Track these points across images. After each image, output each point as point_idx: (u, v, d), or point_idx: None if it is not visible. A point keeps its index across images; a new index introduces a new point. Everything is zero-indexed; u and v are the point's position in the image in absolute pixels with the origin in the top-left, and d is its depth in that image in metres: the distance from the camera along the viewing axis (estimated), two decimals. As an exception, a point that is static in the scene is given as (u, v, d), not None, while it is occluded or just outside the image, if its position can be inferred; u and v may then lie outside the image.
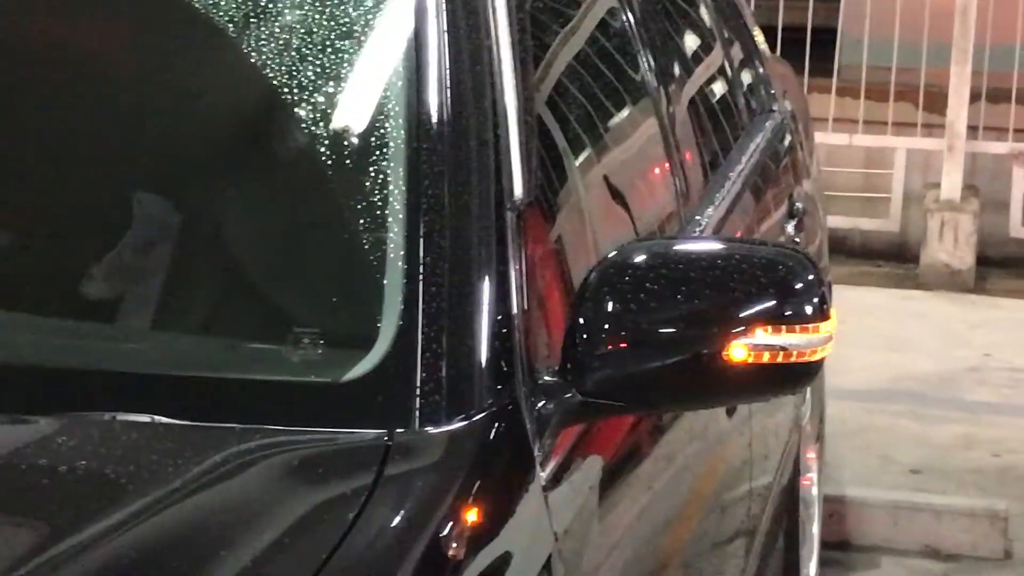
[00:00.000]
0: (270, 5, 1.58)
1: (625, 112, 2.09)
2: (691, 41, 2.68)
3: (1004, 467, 3.92)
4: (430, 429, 1.30)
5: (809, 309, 1.41)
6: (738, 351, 1.38)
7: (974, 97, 5.65)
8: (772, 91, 3.05)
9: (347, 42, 1.55)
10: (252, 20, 1.57)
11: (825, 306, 1.44)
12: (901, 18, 5.83)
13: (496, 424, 1.35)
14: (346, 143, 1.50)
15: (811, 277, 1.44)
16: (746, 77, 2.94)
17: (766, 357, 1.39)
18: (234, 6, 1.57)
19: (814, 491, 3.22)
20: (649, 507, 1.71)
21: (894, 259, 6.10)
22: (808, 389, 2.94)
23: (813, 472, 3.25)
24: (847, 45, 6.14)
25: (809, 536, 3.16)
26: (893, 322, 5.16)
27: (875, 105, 5.92)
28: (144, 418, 1.33)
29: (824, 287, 1.47)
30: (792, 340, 1.40)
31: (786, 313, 1.40)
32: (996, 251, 6.01)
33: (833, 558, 3.49)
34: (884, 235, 6.08)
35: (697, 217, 2.11)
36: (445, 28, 1.53)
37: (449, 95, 1.49)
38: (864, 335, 4.74)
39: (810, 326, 1.42)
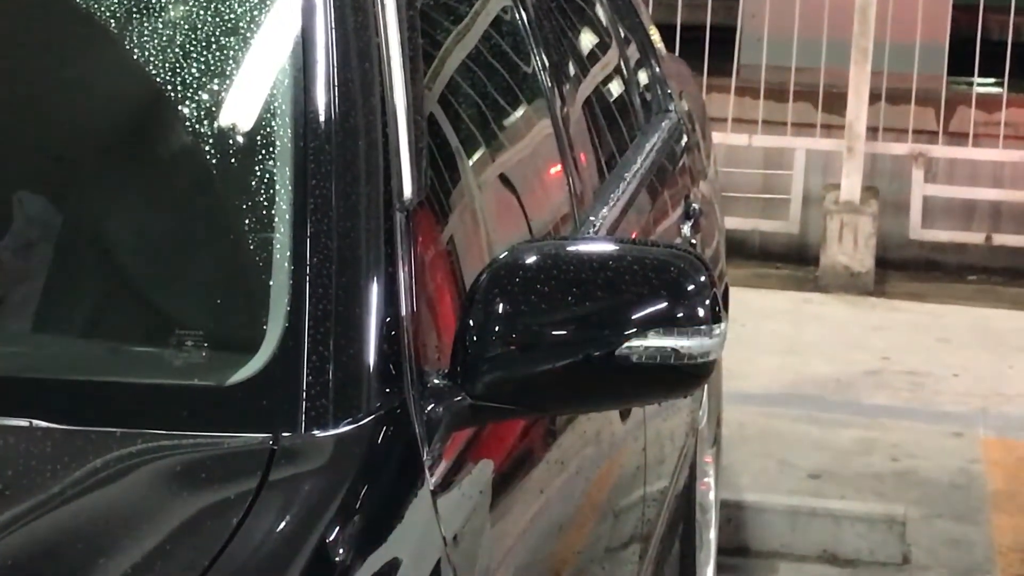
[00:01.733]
0: (152, 1, 1.62)
1: (518, 111, 2.14)
2: (586, 40, 2.76)
3: (902, 471, 4.08)
4: (316, 433, 1.33)
5: (701, 311, 1.45)
6: (630, 353, 1.42)
7: (874, 97, 5.83)
8: (669, 91, 3.15)
9: (232, 39, 1.57)
10: (134, 15, 1.60)
11: (717, 308, 1.48)
12: (801, 16, 5.98)
13: (384, 428, 1.38)
14: (231, 141, 1.53)
15: (703, 279, 1.48)
16: (642, 77, 3.03)
17: (658, 359, 1.43)
18: (115, 1, 1.62)
19: (711, 496, 3.34)
20: (542, 512, 1.73)
21: (794, 261, 6.26)
22: (705, 393, 3.11)
23: (710, 477, 3.36)
24: (747, 44, 6.28)
25: (706, 542, 3.27)
26: (792, 325, 5.34)
27: (775, 105, 6.05)
28: (22, 422, 1.35)
29: (717, 289, 1.51)
30: (684, 342, 1.44)
31: (678, 315, 1.44)
32: (896, 253, 6.20)
33: (730, 564, 3.60)
34: (783, 237, 6.20)
35: (591, 218, 2.18)
36: (332, 25, 1.56)
37: (337, 93, 1.53)
38: (763, 338, 4.98)
39: (702, 328, 1.46)
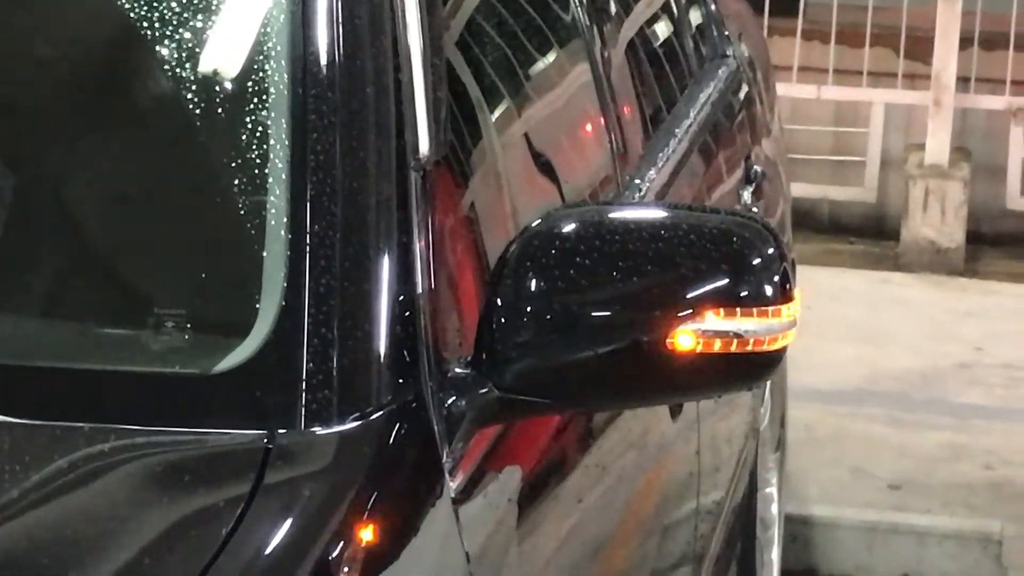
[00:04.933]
0: None
1: (552, 56, 2.12)
2: None
3: (997, 482, 4.01)
4: (318, 430, 1.32)
5: (769, 289, 1.43)
6: (684, 339, 1.39)
7: (964, 43, 5.70)
8: (726, 33, 3.13)
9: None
10: None
11: (788, 286, 1.46)
12: None
13: (397, 424, 1.36)
14: (218, 89, 1.50)
15: (771, 251, 1.45)
16: (695, 16, 3.01)
17: (717, 346, 1.41)
18: None
19: (774, 509, 3.29)
20: (577, 526, 1.73)
21: (870, 235, 6.15)
22: (767, 386, 3.04)
23: (773, 487, 3.31)
24: None
25: (767, 563, 3.24)
26: (869, 309, 5.19)
27: (848, 51, 6.05)
28: None
29: (787, 264, 1.49)
30: (748, 326, 1.42)
31: (742, 294, 1.42)
32: (990, 226, 6.18)
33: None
34: (858, 206, 6.13)
35: (637, 181, 2.16)
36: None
37: (341, 31, 1.50)
38: (835, 324, 4.82)
39: (770, 309, 1.43)
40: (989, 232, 6.24)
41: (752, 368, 1.51)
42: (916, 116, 6.01)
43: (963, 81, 5.91)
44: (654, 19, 2.81)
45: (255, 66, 1.49)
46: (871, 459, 4.09)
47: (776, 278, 1.45)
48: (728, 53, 3.10)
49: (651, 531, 2.16)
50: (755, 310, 1.43)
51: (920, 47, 5.94)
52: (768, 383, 3.07)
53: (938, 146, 5.78)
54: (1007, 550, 3.66)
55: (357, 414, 1.34)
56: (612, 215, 1.54)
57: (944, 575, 3.75)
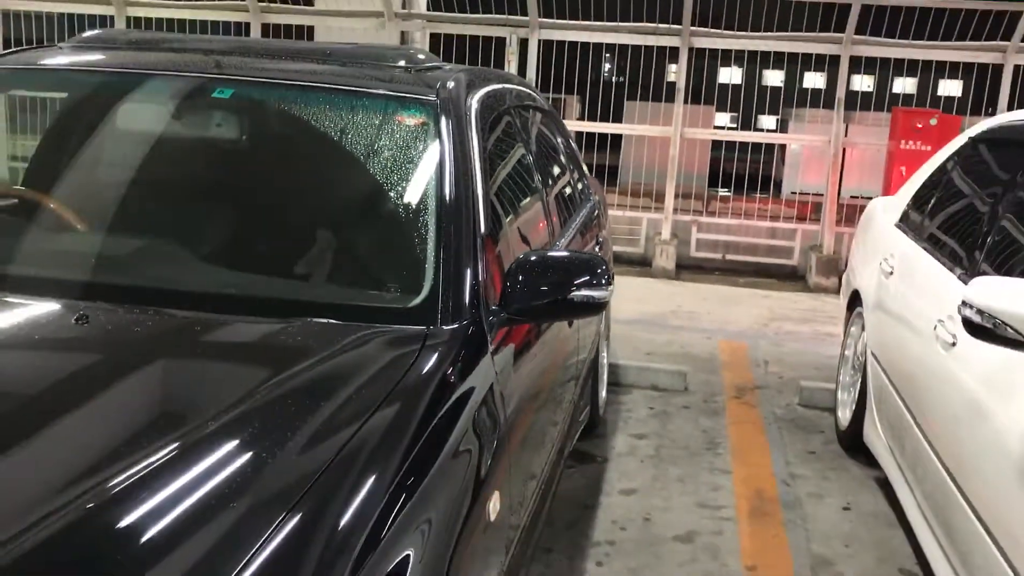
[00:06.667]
0: (380, 141, 2.14)
1: (527, 195, 2.79)
2: (557, 164, 3.63)
3: (685, 353, 5.81)
4: (444, 327, 1.94)
5: (604, 280, 2.10)
6: (576, 295, 2.06)
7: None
8: (590, 188, 4.25)
9: (405, 159, 2.27)
10: (370, 153, 2.17)
11: (608, 279, 2.10)
12: (647, 158, 8.58)
13: (471, 326, 1.96)
14: (411, 204, 2.19)
15: (605, 267, 2.09)
16: (579, 182, 3.97)
17: (586, 300, 2.08)
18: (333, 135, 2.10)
19: (604, 360, 4.50)
20: (535, 365, 2.41)
21: (638, 264, 8.98)
22: (604, 317, 4.17)
23: (605, 353, 4.52)
24: (623, 171, 9.44)
25: (602, 380, 4.49)
26: (641, 290, 7.59)
27: (632, 199, 8.87)
28: (298, 322, 1.93)
29: (610, 272, 2.10)
30: (595, 292, 2.10)
31: (594, 281, 2.09)
32: (689, 262, 8.94)
33: (612, 390, 5.03)
34: (635, 254, 8.99)
35: (558, 243, 2.93)
36: (451, 151, 2.24)
37: (454, 183, 2.19)
38: (627, 295, 7.04)
39: (604, 288, 2.11)
40: (690, 265, 8.98)
41: (598, 308, 2.12)
42: (658, 222, 8.95)
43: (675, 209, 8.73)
44: (567, 182, 3.67)
45: (424, 196, 2.17)
46: (639, 345, 5.93)
47: (606, 277, 2.10)
48: (592, 196, 4.20)
49: (561, 367, 2.83)
50: (599, 287, 2.11)
51: (659, 197, 8.86)
52: (604, 315, 4.25)
53: (667, 232, 8.76)
54: (689, 379, 5.31)
55: (458, 321, 1.97)
56: (548, 254, 2.16)
57: (667, 385, 5.30)
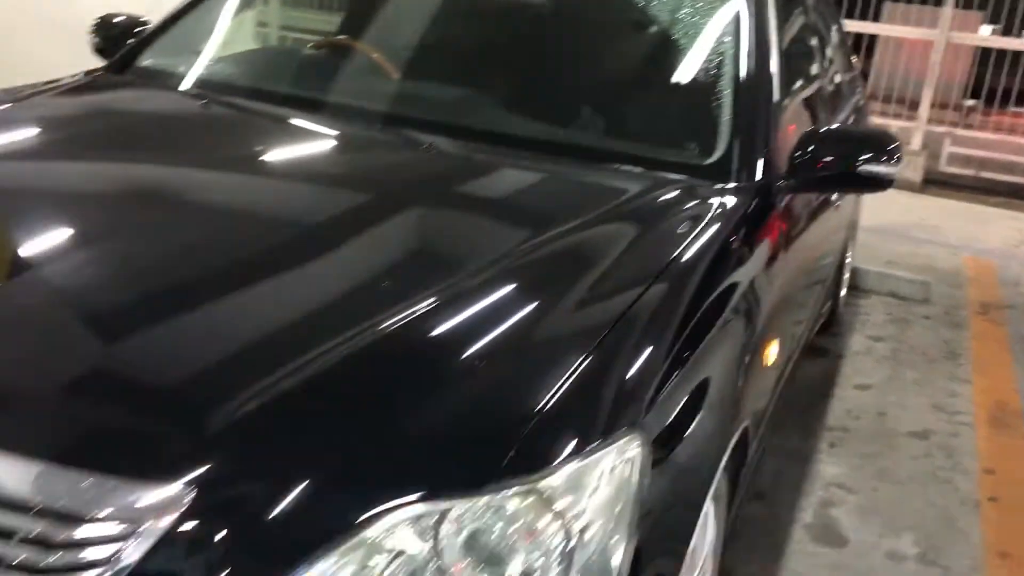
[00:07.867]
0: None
1: (811, 77, 2.98)
2: (833, 50, 3.80)
3: (928, 265, 5.58)
4: (738, 184, 2.12)
5: (895, 158, 2.17)
6: (862, 169, 2.13)
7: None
8: (858, 80, 4.42)
9: (711, 28, 2.42)
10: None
11: (899, 158, 2.16)
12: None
13: (763, 185, 2.14)
14: (710, 70, 2.36)
15: (896, 145, 2.15)
16: (847, 71, 4.15)
17: (870, 173, 2.15)
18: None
19: (848, 259, 4.66)
20: (807, 234, 2.56)
21: None
22: (855, 213, 4.37)
23: (850, 252, 4.65)
24: None
25: (844, 281, 4.59)
26: (883, 199, 6.46)
27: (882, 104, 8.71)
28: (610, 168, 2.13)
29: (901, 151, 2.13)
30: (882, 169, 2.18)
31: (883, 158, 2.13)
32: (933, 176, 8.27)
33: (849, 294, 4.99)
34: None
35: (838, 118, 3.15)
36: (751, 27, 2.41)
37: (754, 56, 2.37)
38: (866, 203, 5.83)
39: (892, 164, 2.16)
40: (937, 180, 8.43)
41: (882, 184, 2.20)
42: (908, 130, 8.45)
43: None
44: (841, 63, 3.93)
45: (722, 76, 2.40)
46: (879, 253, 5.74)
47: (897, 155, 2.17)
48: (859, 87, 4.43)
49: (824, 247, 2.97)
50: (888, 162, 2.20)
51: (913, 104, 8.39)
52: (855, 213, 4.42)
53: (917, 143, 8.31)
54: (931, 290, 5.19)
55: (751, 181, 2.12)
56: (839, 127, 2.34)
57: (908, 294, 5.31)
